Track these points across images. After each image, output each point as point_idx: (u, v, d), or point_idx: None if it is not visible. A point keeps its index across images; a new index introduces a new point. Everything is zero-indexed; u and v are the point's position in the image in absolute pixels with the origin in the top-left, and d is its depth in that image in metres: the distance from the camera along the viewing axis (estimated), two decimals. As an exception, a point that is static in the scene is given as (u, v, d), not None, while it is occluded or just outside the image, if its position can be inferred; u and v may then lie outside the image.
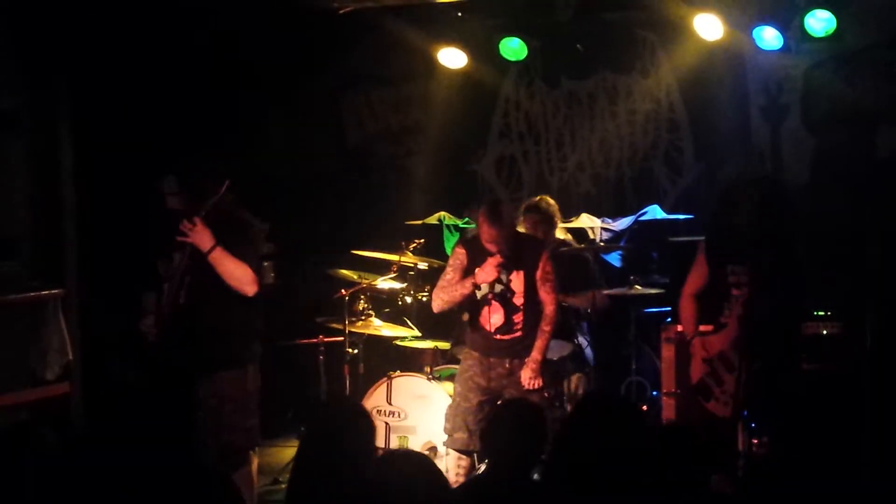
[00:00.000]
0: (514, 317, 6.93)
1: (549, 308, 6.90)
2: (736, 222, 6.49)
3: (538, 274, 6.88)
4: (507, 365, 6.94)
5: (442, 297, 6.96)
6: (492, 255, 6.80)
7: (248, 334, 6.32)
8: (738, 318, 6.37)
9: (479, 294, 6.92)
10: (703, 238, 7.05)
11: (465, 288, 6.85)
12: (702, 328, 6.73)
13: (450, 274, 6.98)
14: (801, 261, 6.59)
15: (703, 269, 6.69)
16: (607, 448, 3.86)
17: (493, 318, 6.91)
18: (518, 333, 6.95)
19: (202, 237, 6.01)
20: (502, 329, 6.94)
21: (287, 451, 8.63)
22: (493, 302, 6.91)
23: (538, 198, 8.25)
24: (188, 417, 6.20)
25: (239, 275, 6.09)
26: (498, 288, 6.87)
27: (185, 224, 6.00)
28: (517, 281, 6.89)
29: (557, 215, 8.28)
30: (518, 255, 6.86)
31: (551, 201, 8.21)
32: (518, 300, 6.90)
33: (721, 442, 6.36)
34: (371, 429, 4.37)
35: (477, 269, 6.81)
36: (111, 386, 7.81)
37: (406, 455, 4.05)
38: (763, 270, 6.33)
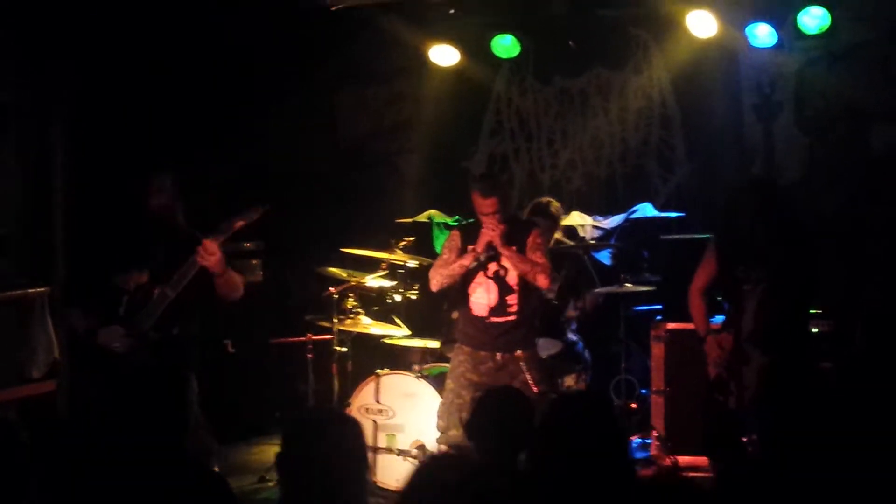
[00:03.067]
0: (507, 298, 6.87)
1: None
2: (739, 226, 6.44)
3: (528, 244, 6.84)
4: (498, 358, 6.89)
5: (441, 273, 6.92)
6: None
7: (196, 341, 6.50)
8: (754, 312, 6.32)
9: (470, 285, 6.89)
10: (698, 236, 6.99)
11: (466, 260, 6.82)
12: (713, 325, 6.68)
13: (446, 254, 6.96)
14: (814, 257, 6.53)
15: (711, 265, 6.63)
16: (580, 443, 3.85)
17: (486, 298, 6.86)
18: (512, 317, 6.88)
19: (219, 264, 6.15)
20: (496, 311, 6.88)
21: (274, 450, 8.52)
22: (489, 282, 6.87)
23: (546, 200, 8.23)
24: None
25: (238, 285, 6.39)
26: (491, 267, 6.83)
27: (204, 248, 6.06)
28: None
29: (561, 219, 8.29)
30: (510, 232, 6.82)
31: (557, 204, 8.20)
32: (511, 279, 6.85)
33: (732, 437, 6.32)
34: (358, 434, 4.32)
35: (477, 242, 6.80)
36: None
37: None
38: (776, 268, 6.29)
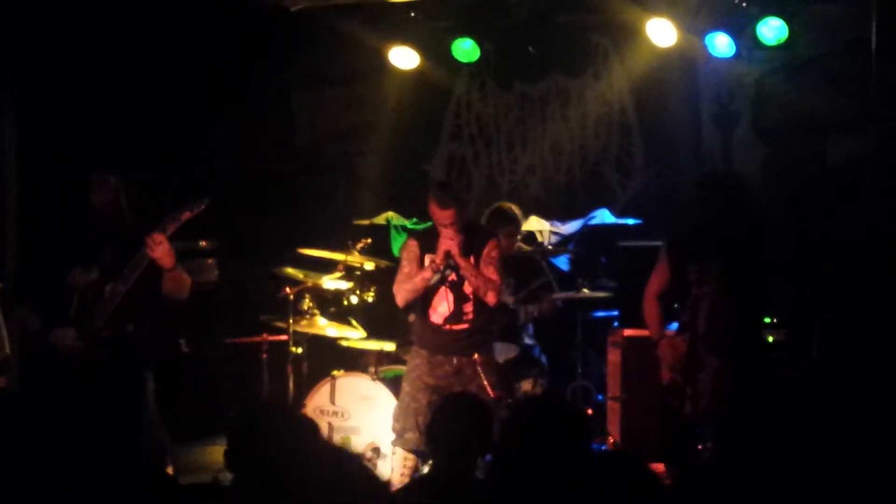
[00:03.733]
0: (464, 306, 6.86)
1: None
2: (705, 218, 6.43)
3: (483, 255, 6.82)
4: (455, 362, 6.88)
5: (405, 288, 6.89)
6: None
7: (151, 338, 6.42)
8: (707, 315, 6.33)
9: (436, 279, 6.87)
10: (655, 243, 6.99)
11: (427, 273, 6.80)
12: (668, 332, 6.67)
13: (406, 267, 6.92)
14: (767, 258, 6.56)
15: (665, 269, 6.63)
16: (549, 450, 3.83)
17: (443, 307, 6.85)
18: (467, 325, 6.87)
19: (168, 256, 6.09)
20: (452, 318, 6.86)
21: (228, 451, 8.53)
22: (444, 290, 6.85)
23: (506, 205, 8.22)
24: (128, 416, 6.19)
25: (185, 285, 6.32)
26: (449, 274, 6.81)
27: (151, 238, 6.01)
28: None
29: (521, 223, 8.29)
30: (468, 241, 6.81)
31: (517, 209, 8.19)
32: (468, 288, 6.84)
33: (686, 441, 6.32)
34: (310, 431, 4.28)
35: (436, 254, 6.78)
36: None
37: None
38: (730, 266, 6.30)
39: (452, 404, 5.18)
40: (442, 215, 6.72)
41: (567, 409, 4.36)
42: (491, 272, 6.82)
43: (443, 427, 4.88)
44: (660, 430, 6.77)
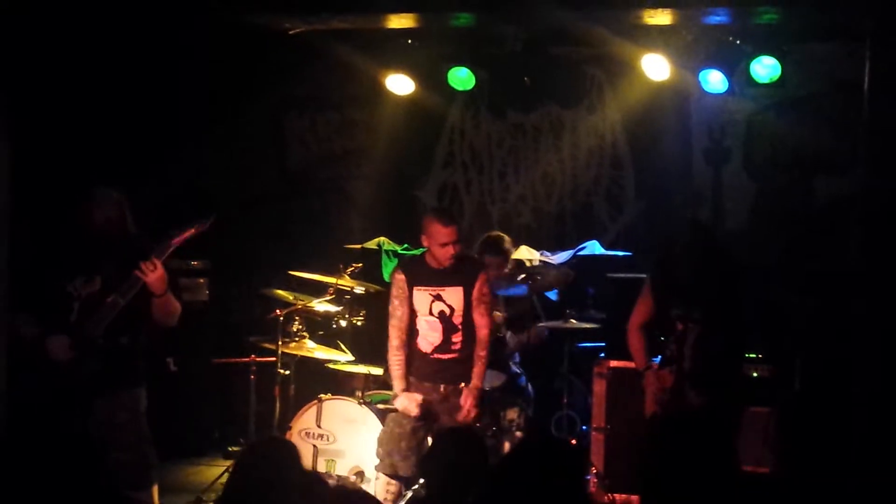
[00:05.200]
0: (452, 336, 6.92)
1: (483, 332, 6.89)
2: (676, 270, 6.51)
3: (474, 294, 6.88)
4: (442, 390, 6.92)
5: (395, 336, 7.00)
6: (431, 271, 6.86)
7: (145, 354, 6.43)
8: (690, 350, 6.38)
9: (417, 320, 6.91)
10: (644, 275, 7.04)
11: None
12: (653, 365, 6.71)
13: (399, 309, 6.95)
14: (743, 300, 6.60)
15: (648, 302, 6.71)
16: (544, 491, 3.85)
17: (432, 336, 6.90)
18: (455, 354, 6.92)
19: (160, 282, 6.09)
20: (440, 348, 6.92)
21: (212, 470, 8.54)
22: (434, 320, 6.89)
23: (496, 234, 8.25)
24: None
25: (174, 312, 6.30)
26: (436, 306, 6.86)
27: (146, 264, 6.02)
28: (456, 297, 6.87)
29: (512, 253, 8.31)
30: (458, 270, 6.86)
31: (508, 239, 8.22)
32: (457, 318, 6.89)
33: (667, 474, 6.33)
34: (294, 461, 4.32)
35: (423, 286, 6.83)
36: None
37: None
38: (708, 308, 6.35)
39: (451, 438, 5.21)
40: (444, 232, 6.76)
41: (563, 447, 4.38)
42: (483, 312, 6.88)
43: (438, 461, 4.91)
44: (642, 462, 6.78)
